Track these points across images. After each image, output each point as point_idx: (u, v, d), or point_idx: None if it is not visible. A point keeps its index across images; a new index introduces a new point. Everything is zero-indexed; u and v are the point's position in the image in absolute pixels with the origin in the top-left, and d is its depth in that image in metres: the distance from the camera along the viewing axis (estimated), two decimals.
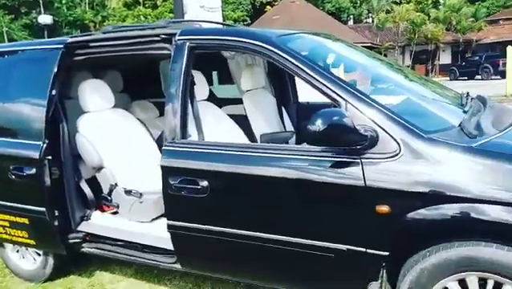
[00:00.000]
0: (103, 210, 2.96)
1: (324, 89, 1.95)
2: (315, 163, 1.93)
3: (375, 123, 1.84)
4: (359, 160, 1.83)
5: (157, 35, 2.41)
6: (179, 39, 2.30)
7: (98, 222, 2.85)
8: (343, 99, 1.90)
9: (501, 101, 13.99)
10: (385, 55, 31.83)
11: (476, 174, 1.71)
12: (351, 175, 1.84)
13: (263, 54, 2.11)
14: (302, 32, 2.81)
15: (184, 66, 2.26)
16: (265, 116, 3.43)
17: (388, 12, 32.09)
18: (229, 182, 2.15)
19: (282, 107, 3.70)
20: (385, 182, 1.80)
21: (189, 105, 2.34)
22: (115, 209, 2.89)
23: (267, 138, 3.10)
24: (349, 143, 1.82)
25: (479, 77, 26.17)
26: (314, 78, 1.97)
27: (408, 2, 37.34)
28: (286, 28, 2.74)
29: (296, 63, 2.02)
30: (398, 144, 1.79)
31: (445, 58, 34.15)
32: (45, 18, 31.00)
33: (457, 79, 27.52)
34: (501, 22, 35.52)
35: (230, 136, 2.79)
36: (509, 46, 15.79)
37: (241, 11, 47.12)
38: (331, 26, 25.83)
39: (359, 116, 1.86)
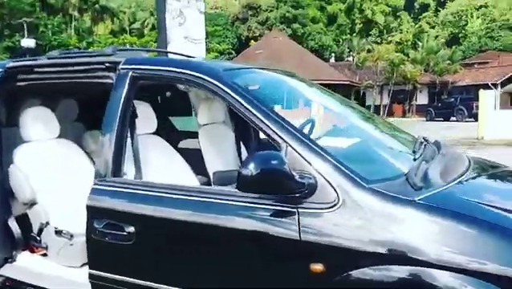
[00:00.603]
0: (32, 251, 2.70)
1: (264, 128, 1.82)
2: (249, 210, 1.76)
3: (315, 169, 1.70)
4: (295, 210, 1.67)
5: (102, 63, 2.29)
6: (122, 68, 2.17)
7: (22, 265, 2.58)
8: (284, 140, 1.77)
9: (472, 144, 14.26)
10: (364, 94, 32.56)
11: (416, 232, 1.57)
12: (285, 226, 1.68)
13: (206, 88, 2.00)
14: (258, 68, 2.72)
15: (124, 96, 2.12)
16: (221, 152, 3.28)
17: (368, 51, 32.99)
18: (156, 229, 1.95)
19: (241, 144, 3.54)
20: (321, 236, 1.63)
21: (127, 139, 2.18)
22: (44, 251, 2.64)
23: (219, 176, 2.95)
24: (284, 191, 1.66)
25: (454, 118, 26.79)
26: (255, 116, 1.84)
27: (388, 43, 38.59)
28: (244, 63, 2.68)
29: (238, 98, 1.90)
30: (337, 193, 1.65)
31: (422, 98, 35.06)
32: (28, 42, 30.80)
33: (433, 120, 28.10)
34: (475, 65, 36.83)
35: (177, 173, 2.61)
36: (481, 90, 16.24)
37: (227, 44, 47.95)
38: (311, 62, 26.35)
39: (300, 160, 1.72)
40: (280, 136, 1.78)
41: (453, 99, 28.71)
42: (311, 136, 2.75)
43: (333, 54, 43.86)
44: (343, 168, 1.70)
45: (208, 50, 40.76)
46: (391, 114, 32.32)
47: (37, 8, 39.46)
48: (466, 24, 47.83)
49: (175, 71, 2.09)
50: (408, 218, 1.59)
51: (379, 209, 1.60)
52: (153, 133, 2.69)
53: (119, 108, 2.10)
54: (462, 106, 26.74)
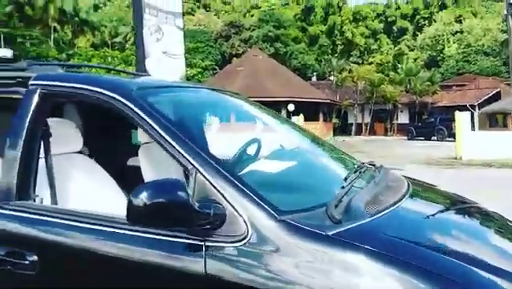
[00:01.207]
0: None
1: (172, 151, 1.65)
2: (147, 242, 1.57)
3: (225, 198, 1.52)
4: (202, 244, 1.49)
5: (13, 78, 2.12)
6: (32, 84, 2.02)
7: None
8: (192, 165, 1.59)
9: (451, 164, 14.22)
10: (345, 112, 32.72)
11: (325, 272, 1.39)
12: (190, 262, 1.51)
13: (117, 108, 1.82)
14: (190, 86, 2.60)
15: (31, 113, 1.95)
16: (162, 173, 2.89)
17: (349, 71, 33.32)
18: (59, 258, 1.79)
19: None
20: (227, 273, 1.47)
21: (35, 160, 1.96)
22: None
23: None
24: (184, 223, 1.47)
25: (435, 138, 27.03)
26: (163, 138, 1.68)
27: (369, 64, 39.12)
28: (181, 82, 2.39)
29: (147, 119, 1.74)
30: (247, 226, 1.48)
31: (403, 117, 35.45)
32: (5, 52, 29.98)
33: (414, 139, 28.30)
34: (454, 87, 37.54)
35: (98, 195, 2.33)
36: (457, 112, 16.37)
37: (210, 60, 47.96)
38: (292, 80, 26.37)
39: (209, 188, 1.55)
40: (188, 160, 1.61)
41: (433, 119, 29.01)
42: (258, 156, 2.61)
43: (315, 74, 44.14)
44: (255, 198, 1.53)
45: (191, 66, 40.78)
46: (373, 132, 32.45)
47: (15, 19, 38.85)
48: (443, 48, 49.06)
49: (86, 89, 1.95)
50: (318, 255, 1.41)
51: (288, 244, 1.45)
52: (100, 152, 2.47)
53: (26, 126, 1.94)
54: (442, 126, 27.01)
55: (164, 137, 1.68)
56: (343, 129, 30.31)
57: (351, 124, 30.02)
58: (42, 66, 2.47)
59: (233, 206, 1.51)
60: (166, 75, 23.77)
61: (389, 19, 60.17)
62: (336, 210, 1.56)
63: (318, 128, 25.57)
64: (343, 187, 1.82)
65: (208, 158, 1.62)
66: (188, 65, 40.55)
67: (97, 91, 1.90)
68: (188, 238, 1.52)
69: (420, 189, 2.44)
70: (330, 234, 1.44)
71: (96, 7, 53.85)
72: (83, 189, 2.25)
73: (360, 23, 59.49)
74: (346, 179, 1.98)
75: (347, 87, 32.79)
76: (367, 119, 33.01)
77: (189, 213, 1.44)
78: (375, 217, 1.64)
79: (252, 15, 71.15)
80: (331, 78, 41.06)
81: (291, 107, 20.65)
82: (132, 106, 1.80)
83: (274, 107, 22.96)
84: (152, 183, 1.50)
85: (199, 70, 39.96)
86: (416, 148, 21.54)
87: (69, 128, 2.41)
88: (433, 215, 2.00)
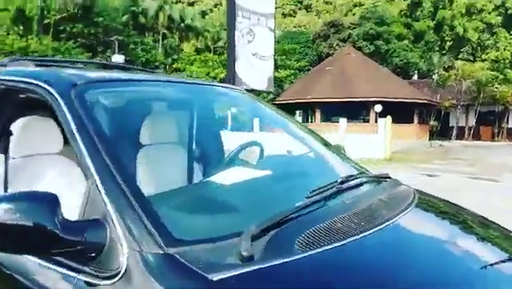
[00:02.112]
0: None
1: (80, 158, 1.40)
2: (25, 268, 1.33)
3: (112, 219, 1.22)
4: (73, 278, 1.22)
5: None
6: None
7: None
8: (91, 174, 1.32)
9: None
10: (447, 114, 29.86)
11: None
12: None
13: (52, 104, 1.59)
14: (155, 80, 2.28)
15: None
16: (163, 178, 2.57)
17: (450, 68, 30.41)
18: None
19: (196, 165, 2.85)
20: None
21: None
22: None
23: None
24: (41, 250, 1.20)
25: None
26: (76, 142, 1.43)
27: (482, 61, 35.28)
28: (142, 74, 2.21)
29: (68, 118, 1.51)
30: (123, 257, 1.17)
31: None
32: (117, 58, 33.32)
33: None
34: None
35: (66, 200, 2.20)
36: None
37: (306, 61, 47.74)
38: (385, 79, 24.89)
39: (100, 205, 1.26)
40: (89, 169, 1.34)
41: None
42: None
43: (416, 72, 41.21)
44: (145, 221, 1.21)
45: (284, 67, 40.97)
46: (477, 137, 29.24)
47: (130, 27, 42.82)
48: None
49: (30, 83, 1.75)
50: None
51: (160, 286, 1.11)
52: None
53: None
54: None
55: (77, 141, 1.44)
56: (442, 133, 27.75)
57: (453, 127, 27.35)
58: (17, 61, 2.31)
59: (116, 230, 1.21)
60: (254, 76, 24.18)
61: (510, 11, 53.65)
62: (254, 242, 1.20)
63: (411, 130, 23.80)
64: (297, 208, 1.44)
65: (111, 167, 1.33)
66: (282, 66, 40.94)
67: (38, 85, 1.70)
68: (63, 268, 1.26)
69: (433, 214, 1.92)
70: (215, 279, 1.10)
71: (204, 14, 57.01)
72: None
73: (474, 17, 53.98)
74: (308, 197, 1.55)
75: (449, 87, 29.97)
76: (472, 122, 29.80)
77: (48, 239, 1.15)
78: (308, 253, 1.23)
79: (354, 14, 69.16)
80: (434, 76, 38.00)
81: (378, 108, 19.48)
82: (61, 103, 1.57)
83: (361, 108, 21.99)
84: (4, 195, 1.28)
85: (292, 71, 39.96)
86: None
87: (46, 127, 2.21)
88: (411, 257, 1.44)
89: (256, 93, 27.49)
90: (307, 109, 23.83)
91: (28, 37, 32.01)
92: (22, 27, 32.61)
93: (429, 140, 25.82)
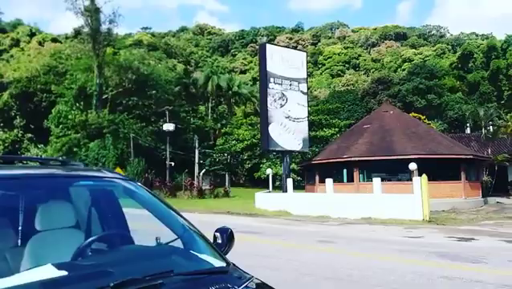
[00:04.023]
0: None
1: None
2: None
3: None
4: None
5: None
6: None
7: None
8: None
9: None
10: (503, 168, 27.39)
11: None
12: None
13: None
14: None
15: None
16: None
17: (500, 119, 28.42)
18: None
19: None
20: None
21: None
22: None
23: None
24: None
25: None
26: None
27: None
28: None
29: None
30: None
31: None
32: (168, 126, 35.13)
33: None
34: None
35: None
36: None
37: (355, 118, 47.29)
38: (425, 135, 23.76)
39: None
40: None
41: None
42: None
43: (468, 125, 39.04)
44: None
45: (329, 126, 40.65)
46: None
47: (182, 97, 45.36)
48: None
49: None
50: None
51: None
52: None
53: None
54: None
55: None
56: (498, 188, 25.46)
57: (511, 182, 25.02)
58: None
59: None
60: (288, 138, 24.06)
61: None
62: None
63: (459, 188, 22.08)
64: None
65: None
66: (327, 125, 40.82)
67: None
68: None
69: None
70: None
71: (256, 80, 58.86)
72: None
73: None
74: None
75: (502, 140, 27.87)
76: None
77: None
78: None
79: (404, 69, 68.58)
80: (489, 128, 35.69)
81: (413, 166, 18.40)
82: None
83: (400, 166, 20.96)
84: None
85: (337, 130, 39.61)
86: None
87: None
88: None
89: (292, 154, 27.45)
90: (345, 168, 23.21)
91: (88, 111, 34.95)
92: (82, 103, 35.70)
93: (483, 196, 23.72)
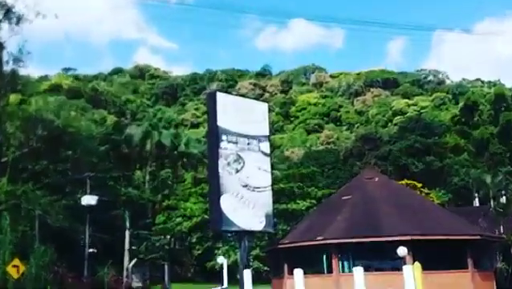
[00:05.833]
0: None
1: None
2: None
3: None
4: None
5: None
6: None
7: None
8: None
9: None
10: None
11: None
12: None
13: None
14: None
15: None
16: None
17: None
18: None
19: None
20: None
21: None
22: None
23: None
24: None
25: None
26: None
27: None
28: None
29: None
30: None
31: None
32: (89, 199, 34.14)
33: None
34: None
35: None
36: None
37: (336, 186, 47.84)
38: (420, 209, 24.11)
39: None
40: None
41: None
42: None
43: (476, 195, 40.20)
44: None
45: (303, 197, 40.77)
46: None
47: (111, 158, 44.56)
48: None
49: None
50: None
51: None
52: None
53: None
54: None
55: None
56: None
57: None
58: None
59: None
60: (246, 213, 23.46)
61: None
62: None
63: (466, 279, 21.95)
64: None
65: None
66: (301, 196, 40.95)
67: None
68: None
69: None
70: None
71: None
72: None
73: None
74: None
75: None
76: None
77: None
78: None
79: (395, 124, 71.14)
80: (501, 199, 36.82)
81: (402, 251, 18.30)
82: None
83: (388, 248, 20.91)
84: None
85: (313, 202, 39.77)
86: None
87: None
88: None
89: (254, 235, 26.76)
90: (322, 254, 22.91)
91: None
92: None
93: None
